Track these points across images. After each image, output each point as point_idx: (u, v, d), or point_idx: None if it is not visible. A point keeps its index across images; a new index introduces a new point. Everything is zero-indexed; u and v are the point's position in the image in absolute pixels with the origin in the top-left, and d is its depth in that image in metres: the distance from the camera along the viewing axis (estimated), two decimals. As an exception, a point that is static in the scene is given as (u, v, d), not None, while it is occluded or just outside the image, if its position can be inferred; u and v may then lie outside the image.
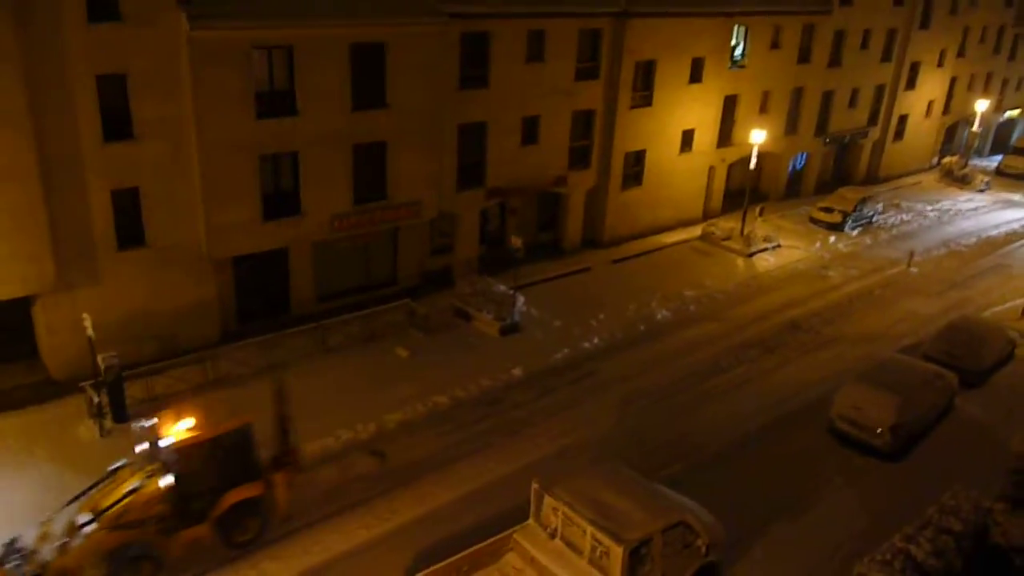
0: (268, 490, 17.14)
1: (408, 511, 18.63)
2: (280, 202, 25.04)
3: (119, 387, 20.77)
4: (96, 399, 20.51)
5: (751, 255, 35.64)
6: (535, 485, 16.09)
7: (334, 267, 27.21)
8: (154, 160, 22.24)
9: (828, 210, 40.37)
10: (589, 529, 14.92)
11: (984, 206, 47.09)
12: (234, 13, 22.12)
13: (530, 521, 16.25)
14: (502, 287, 28.80)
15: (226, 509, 16.53)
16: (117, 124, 21.51)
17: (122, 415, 20.87)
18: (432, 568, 15.11)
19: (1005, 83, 58.83)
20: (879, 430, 21.37)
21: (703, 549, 16.03)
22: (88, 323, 20.06)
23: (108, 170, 21.62)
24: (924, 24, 47.75)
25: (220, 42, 22.15)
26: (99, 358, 20.27)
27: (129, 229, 22.55)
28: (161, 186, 22.61)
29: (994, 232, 41.90)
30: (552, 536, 15.77)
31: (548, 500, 15.83)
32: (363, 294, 27.72)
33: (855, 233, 39.97)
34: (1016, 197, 49.37)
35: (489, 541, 15.92)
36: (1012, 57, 58.04)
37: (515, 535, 16.02)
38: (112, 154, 21.55)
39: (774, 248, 36.69)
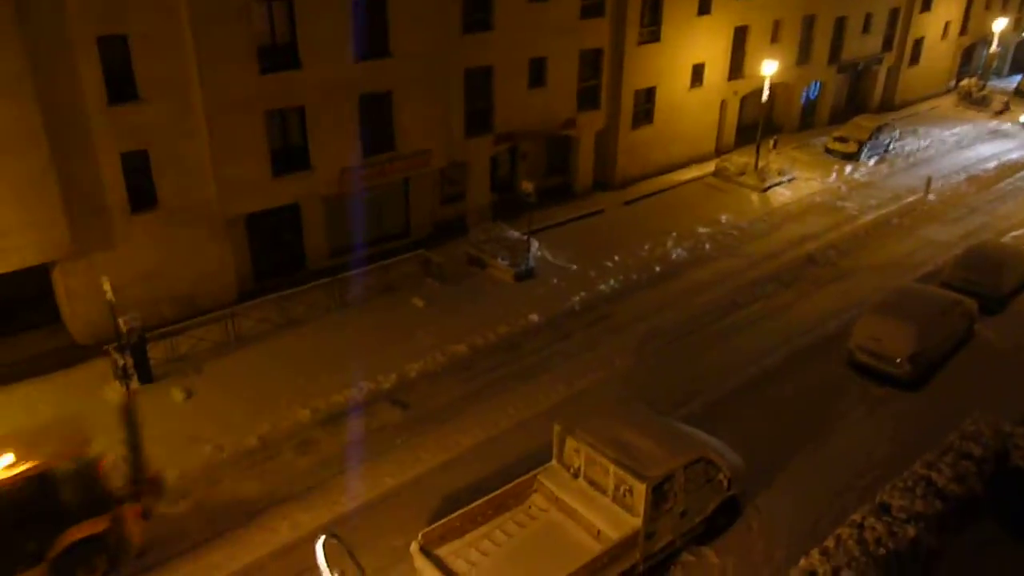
0: (116, 525, 15.33)
1: (432, 458, 18.93)
2: (289, 157, 24.95)
3: (142, 349, 21.07)
4: (121, 361, 20.81)
5: (766, 189, 35.26)
6: (557, 427, 16.26)
7: (347, 220, 27.19)
8: (161, 121, 22.14)
9: (843, 140, 39.73)
10: (612, 468, 15.11)
11: (1004, 128, 46.15)
12: (231, -34, 21.78)
13: (553, 462, 16.46)
14: (515, 233, 28.73)
15: (64, 548, 14.74)
16: (121, 86, 21.34)
17: (147, 375, 21.23)
18: (459, 512, 15.37)
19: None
20: (898, 359, 21.35)
21: (725, 483, 16.22)
22: (107, 287, 20.23)
23: (116, 133, 21.54)
24: (939, -58, 46.26)
25: (219, -3, 21.85)
26: (120, 321, 20.50)
27: (141, 191, 22.57)
28: (170, 147, 22.55)
29: (1015, 156, 41.10)
30: (575, 476, 15.98)
31: (570, 441, 16.01)
32: (377, 246, 27.75)
33: (871, 162, 39.38)
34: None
35: (513, 483, 16.16)
36: (1031, -28, 56.22)
37: (539, 476, 16.25)
38: (118, 117, 21.45)
39: (789, 181, 36.26)
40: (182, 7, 21.42)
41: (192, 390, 21.05)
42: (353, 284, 25.48)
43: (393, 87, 26.16)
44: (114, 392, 20.79)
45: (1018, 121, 47.62)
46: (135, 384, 20.95)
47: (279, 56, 23.70)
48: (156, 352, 21.78)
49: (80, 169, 21.25)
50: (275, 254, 26.17)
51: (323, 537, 14.48)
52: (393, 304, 25.30)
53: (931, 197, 34.93)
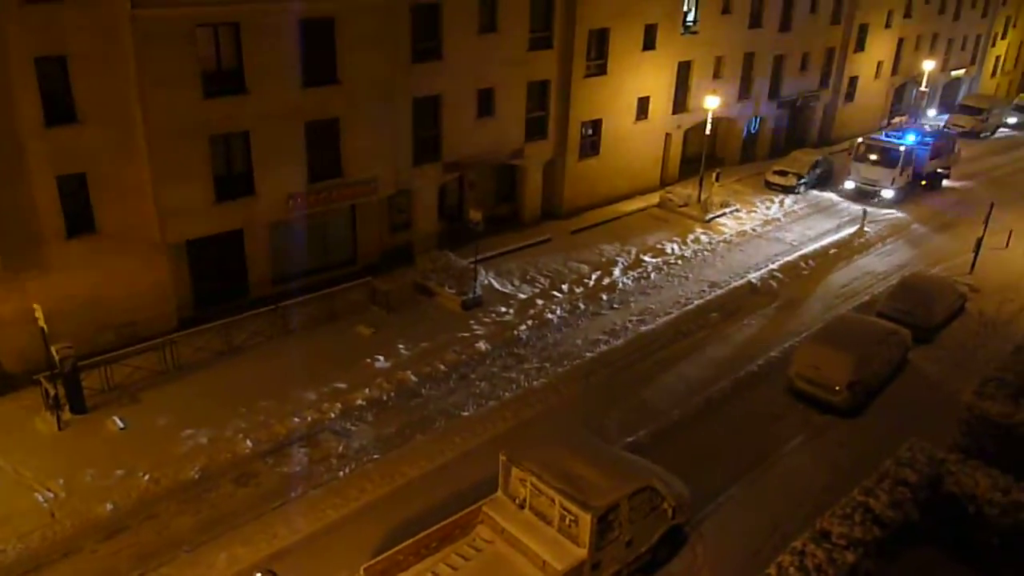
0: None
1: (376, 489, 18.64)
2: (233, 183, 24.59)
3: (75, 378, 20.39)
4: (52, 391, 20.09)
5: (709, 220, 35.94)
6: (503, 457, 16.18)
7: (291, 248, 26.85)
8: (101, 144, 21.65)
9: (783, 173, 40.86)
10: (557, 498, 15.08)
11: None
12: (177, -10, 21.55)
13: (499, 493, 16.36)
14: (463, 261, 28.72)
15: None
16: (59, 108, 20.85)
17: (81, 406, 20.54)
18: (402, 545, 15.14)
19: (950, 43, 59.76)
20: (837, 387, 21.85)
21: (670, 512, 16.31)
22: (39, 313, 19.60)
23: (52, 156, 20.98)
24: (872, -15, 48.22)
25: (164, 20, 21.54)
26: (53, 349, 19.85)
27: (78, 216, 21.97)
28: (109, 170, 22.05)
29: (944, 190, 42.76)
30: (521, 507, 15.90)
31: (516, 471, 15.94)
32: (323, 274, 27.45)
33: (810, 195, 40.50)
34: (964, 154, 50.32)
35: (459, 515, 15.99)
36: (957, 17, 58.90)
37: (484, 507, 16.12)
38: (55, 139, 20.91)
39: (731, 212, 37.04)
40: (125, 29, 21.08)
41: (128, 421, 20.40)
42: (298, 312, 25.11)
43: (341, 114, 26.07)
44: (45, 423, 20.08)
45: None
46: (67, 414, 20.24)
47: (225, 81, 23.44)
48: (91, 381, 21.09)
49: (13, 192, 20.60)
50: (217, 281, 25.65)
51: (258, 574, 14.11)
52: (339, 332, 24.99)
53: (867, 229, 36.02)
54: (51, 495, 17.83)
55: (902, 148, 39.41)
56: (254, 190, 25.00)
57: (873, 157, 39.88)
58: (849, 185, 40.46)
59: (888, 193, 39.39)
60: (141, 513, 17.65)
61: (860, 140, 41.43)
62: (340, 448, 20.03)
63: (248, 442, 19.79)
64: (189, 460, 19.11)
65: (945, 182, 43.29)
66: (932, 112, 60.18)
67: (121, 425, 20.20)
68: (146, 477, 18.45)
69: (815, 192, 40.97)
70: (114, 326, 23.08)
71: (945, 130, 47.03)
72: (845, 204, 39.60)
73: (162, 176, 22.79)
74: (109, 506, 17.60)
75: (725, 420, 21.76)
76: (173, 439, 19.79)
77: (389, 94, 27.06)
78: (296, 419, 20.75)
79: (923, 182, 41.59)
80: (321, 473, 19.15)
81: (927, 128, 45.25)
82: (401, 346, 24.34)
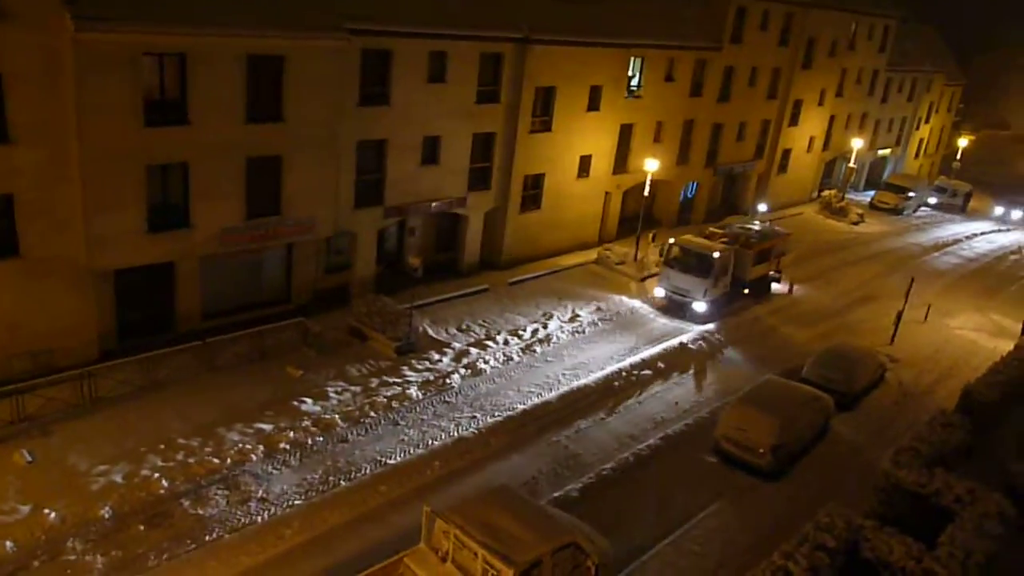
0: None
1: (296, 536, 18.11)
2: (168, 213, 24.08)
3: (-17, 406, 19.47)
4: (-43, 419, 19.13)
5: (644, 279, 36.60)
6: (426, 508, 15.95)
7: (224, 283, 26.33)
8: (31, 166, 21.02)
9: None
10: (480, 552, 14.88)
11: (860, 237, 50.03)
12: (124, 16, 21.23)
13: (421, 545, 16.07)
14: (399, 307, 28.56)
15: None
16: (-10, 126, 20.29)
17: (-14, 436, 19.57)
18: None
19: (878, 123, 62.90)
20: (761, 450, 22.24)
21: (593, 569, 16.22)
22: (-50, 337, 18.73)
23: (-22, 175, 20.32)
24: (806, 64, 50.60)
25: (108, 46, 21.19)
26: (-39, 375, 18.95)
27: (1, 239, 21.20)
28: (39, 194, 21.37)
29: (872, 266, 44.53)
30: (443, 560, 15.64)
31: (439, 523, 15.71)
32: (254, 311, 26.93)
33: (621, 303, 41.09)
34: (888, 229, 52.69)
35: (380, 565, 15.65)
36: (885, 99, 62.15)
37: (406, 559, 15.80)
38: (-17, 158, 20.28)
39: (666, 273, 37.69)
40: (67, 52, 20.68)
41: (37, 454, 19.46)
42: (226, 348, 24.51)
43: (283, 152, 25.90)
44: (-55, 453, 19.03)
45: (853, 221, 52.05)
46: (-29, 445, 19.25)
47: (167, 111, 23.10)
48: (1, 411, 20.11)
49: (-67, 210, 19.84)
50: (143, 312, 24.92)
51: None
52: (267, 372, 24.44)
53: (794, 293, 37.11)
54: (-54, 530, 16.83)
55: (715, 255, 32.48)
56: (189, 222, 24.52)
57: (684, 264, 33.16)
58: (659, 293, 33.99)
59: (700, 306, 32.62)
60: (44, 553, 16.75)
61: (672, 241, 33.96)
62: (260, 492, 19.44)
63: (164, 481, 19.05)
64: (100, 498, 18.27)
65: (776, 286, 37.49)
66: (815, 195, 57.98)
67: (29, 459, 19.25)
68: (52, 515, 17.55)
69: (624, 300, 34.29)
70: (31, 352, 22.17)
71: (775, 229, 39.11)
72: (653, 315, 33.24)
73: (94, 202, 22.19)
74: (9, 544, 16.66)
75: (651, 478, 21.89)
76: (84, 475, 18.93)
77: (333, 136, 27.05)
78: (216, 459, 20.08)
79: (745, 290, 35.29)
80: (239, 517, 18.52)
81: (756, 227, 38.11)
82: (330, 389, 23.93)
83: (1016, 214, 65.54)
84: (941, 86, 71.37)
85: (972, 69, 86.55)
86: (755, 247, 35.20)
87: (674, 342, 30.20)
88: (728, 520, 20.55)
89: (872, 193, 61.69)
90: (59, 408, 21.10)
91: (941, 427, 21.42)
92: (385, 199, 30.14)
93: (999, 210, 67.13)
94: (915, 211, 60.69)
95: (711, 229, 39.24)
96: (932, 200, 63.65)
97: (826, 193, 56.84)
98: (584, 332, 30.51)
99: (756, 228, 38.00)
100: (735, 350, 31.14)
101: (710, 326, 32.30)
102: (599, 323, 31.44)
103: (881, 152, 65.99)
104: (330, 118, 26.67)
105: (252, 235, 25.95)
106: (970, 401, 23.87)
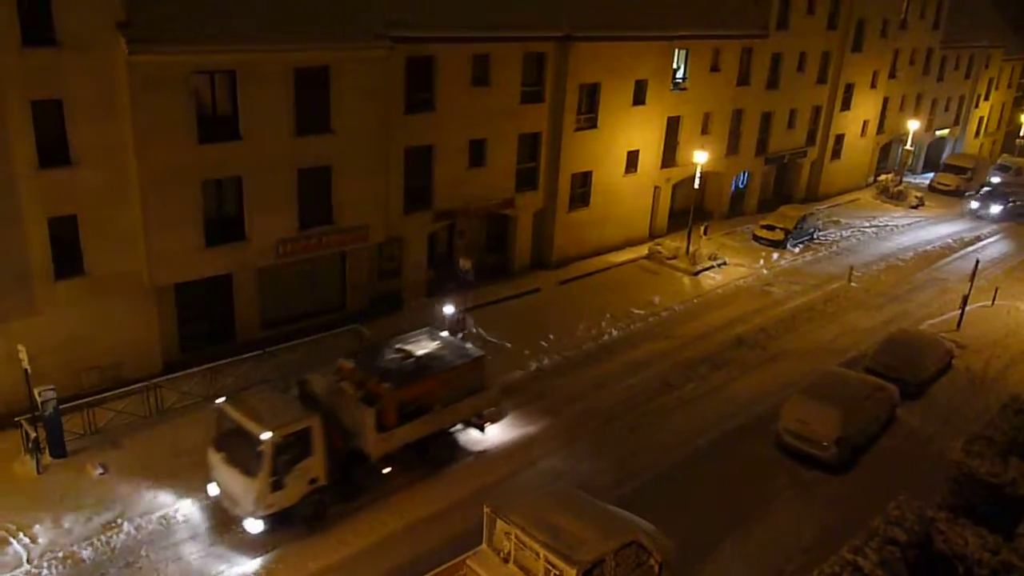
0: None
1: (359, 540, 18.35)
2: (224, 227, 24.63)
3: (56, 421, 20.12)
4: (32, 434, 19.81)
5: (697, 273, 36.17)
6: (487, 509, 16.00)
7: (280, 293, 26.82)
8: (93, 187, 21.71)
9: (770, 228, 41.26)
10: (542, 552, 14.86)
11: (919, 221, 48.64)
12: (175, 38, 21.81)
13: (483, 546, 16.13)
14: (451, 309, 28.66)
15: None
16: (53, 150, 20.90)
17: (60, 450, 20.23)
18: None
19: (934, 103, 61.03)
20: (825, 443, 21.78)
21: (656, 567, 16.08)
22: (23, 355, 19.39)
23: (44, 197, 21.00)
24: (856, 47, 49.36)
25: (160, 67, 21.79)
26: (36, 391, 19.61)
27: (67, 258, 21.89)
28: (101, 213, 22.07)
29: (929, 247, 43.26)
30: (505, 560, 15.67)
31: (501, 524, 15.74)
32: (310, 320, 27.36)
33: (797, 250, 40.89)
34: (948, 212, 51.11)
35: (443, 567, 15.76)
36: (940, 78, 60.29)
37: (468, 560, 15.87)
38: (48, 181, 20.96)
39: (719, 266, 37.30)
40: (122, 75, 21.30)
41: (108, 466, 20.08)
42: (285, 357, 24.93)
43: (333, 162, 26.28)
44: (23, 467, 19.75)
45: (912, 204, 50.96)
46: (46, 459, 19.93)
47: (219, 127, 23.63)
48: (73, 424, 20.81)
49: (3, 232, 20.56)
50: (204, 325, 25.53)
51: None
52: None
53: (853, 284, 36.32)
54: (27, 541, 17.46)
55: (264, 436, 17.03)
56: (245, 235, 25.04)
57: (230, 447, 18.20)
58: (212, 491, 18.77)
59: (254, 527, 17.64)
60: (119, 561, 17.27)
61: (220, 401, 19.05)
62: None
63: (230, 490, 19.46)
64: (170, 507, 18.74)
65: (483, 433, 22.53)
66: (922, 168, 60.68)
67: (100, 471, 19.87)
68: (125, 525, 18.09)
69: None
70: (99, 367, 22.88)
71: (463, 346, 22.74)
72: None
73: (154, 220, 22.83)
74: (87, 553, 17.23)
75: (713, 474, 21.60)
76: (152, 486, 19.44)
77: (381, 144, 27.34)
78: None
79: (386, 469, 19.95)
80: (303, 521, 18.80)
81: (429, 341, 22.28)
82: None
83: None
84: (1000, 62, 68.98)
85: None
86: (391, 393, 19.26)
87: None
88: (792, 515, 20.13)
89: (931, 175, 59.92)
90: (128, 421, 21.73)
91: (1014, 414, 20.69)
92: (434, 203, 30.36)
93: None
94: (978, 192, 58.75)
95: (765, 222, 38.67)
96: (994, 179, 61.49)
97: (883, 177, 55.40)
98: (639, 328, 30.13)
99: (426, 344, 21.94)
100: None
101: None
102: (651, 319, 31.03)
103: (939, 133, 64.03)
104: (377, 127, 26.96)
105: (306, 245, 26.38)
106: (1044, 386, 23.03)
